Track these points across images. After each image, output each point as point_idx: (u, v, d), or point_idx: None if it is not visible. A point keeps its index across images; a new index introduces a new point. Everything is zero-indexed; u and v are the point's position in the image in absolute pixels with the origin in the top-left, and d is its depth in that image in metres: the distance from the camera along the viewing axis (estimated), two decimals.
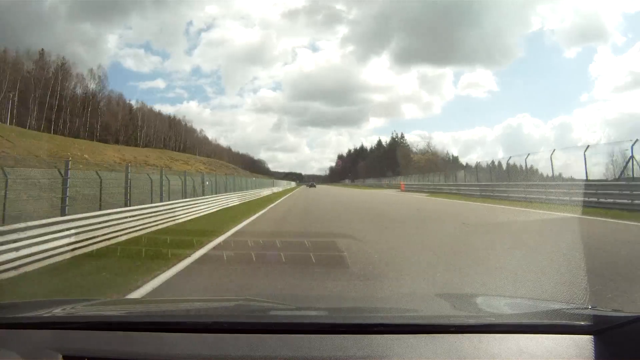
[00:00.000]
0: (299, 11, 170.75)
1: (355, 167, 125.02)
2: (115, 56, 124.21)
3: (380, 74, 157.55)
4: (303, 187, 79.48)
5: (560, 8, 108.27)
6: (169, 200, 12.50)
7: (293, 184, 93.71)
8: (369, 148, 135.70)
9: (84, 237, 6.69)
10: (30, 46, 66.83)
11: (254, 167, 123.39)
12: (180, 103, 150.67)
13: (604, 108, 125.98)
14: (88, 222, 6.99)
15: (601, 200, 13.15)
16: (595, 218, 10.60)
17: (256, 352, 1.12)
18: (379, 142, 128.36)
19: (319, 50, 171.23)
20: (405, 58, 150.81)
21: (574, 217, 10.83)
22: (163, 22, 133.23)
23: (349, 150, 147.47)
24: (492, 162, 26.45)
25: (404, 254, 6.25)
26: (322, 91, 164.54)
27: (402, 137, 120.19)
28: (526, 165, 20.70)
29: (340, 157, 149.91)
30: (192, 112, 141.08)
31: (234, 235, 9.06)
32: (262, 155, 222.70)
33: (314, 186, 75.71)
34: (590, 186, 14.11)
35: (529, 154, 20.33)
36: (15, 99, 55.25)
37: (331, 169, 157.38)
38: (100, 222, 7.36)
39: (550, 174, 18.15)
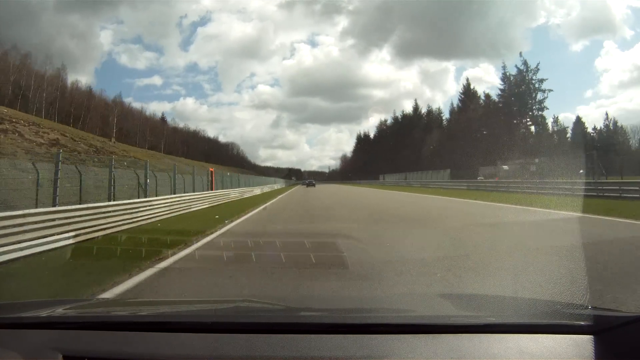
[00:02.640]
0: (296, 1, 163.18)
1: (398, 151, 71.55)
2: (110, 52, 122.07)
3: (381, 68, 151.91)
4: (298, 187, 59.06)
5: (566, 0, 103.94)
6: None
7: (275, 185, 56.48)
8: (413, 113, 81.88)
9: None
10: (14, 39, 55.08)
11: (223, 159, 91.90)
12: (177, 100, 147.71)
13: (608, 104, 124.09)
14: None
15: None
16: None
17: (256, 352, 1.12)
18: (467, 93, 67.54)
19: (318, 44, 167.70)
20: (407, 51, 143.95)
21: None
22: (156, 16, 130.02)
23: (382, 121, 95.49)
24: None
25: None
26: (321, 87, 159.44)
27: (538, 68, 57.20)
28: None
29: (360, 140, 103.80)
30: (189, 109, 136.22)
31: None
32: (261, 152, 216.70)
33: (313, 185, 59.52)
34: None
35: None
36: None
37: (344, 160, 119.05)
38: None
39: None
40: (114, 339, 1.25)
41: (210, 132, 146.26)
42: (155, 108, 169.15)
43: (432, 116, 79.97)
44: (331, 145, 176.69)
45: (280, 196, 28.15)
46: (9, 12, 74.84)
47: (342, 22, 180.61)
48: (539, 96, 57.29)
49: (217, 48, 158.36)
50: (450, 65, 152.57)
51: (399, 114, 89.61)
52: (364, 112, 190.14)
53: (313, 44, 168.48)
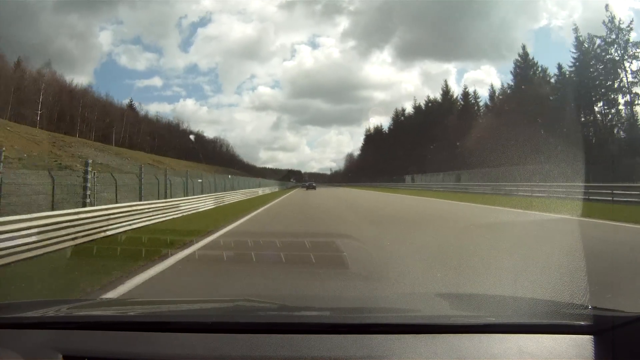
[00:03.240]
0: (297, 2, 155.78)
1: (426, 146, 52.65)
2: (110, 53, 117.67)
3: (382, 70, 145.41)
4: (296, 191, 48.99)
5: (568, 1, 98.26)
6: None
7: (260, 190, 37.80)
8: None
9: None
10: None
11: (209, 156, 78.44)
12: (177, 101, 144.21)
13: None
14: None
15: None
16: None
17: (256, 352, 1.13)
18: (526, 64, 44.40)
19: (319, 46, 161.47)
20: (408, 52, 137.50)
21: None
22: (156, 16, 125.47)
23: (399, 111, 74.59)
24: None
25: None
26: (322, 89, 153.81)
27: (631, 28, 33.97)
28: None
29: (370, 135, 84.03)
30: (188, 110, 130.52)
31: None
32: (261, 154, 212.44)
33: (313, 187, 54.20)
34: None
35: None
36: None
37: (349, 159, 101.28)
38: None
39: None
40: (114, 339, 1.26)
41: (211, 134, 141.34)
42: (155, 109, 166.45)
43: (469, 100, 58.83)
44: (332, 148, 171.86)
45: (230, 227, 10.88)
46: (7, 11, 68.39)
47: (343, 23, 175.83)
48: (634, 66, 35.86)
49: (217, 49, 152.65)
50: (451, 67, 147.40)
51: (421, 102, 69.16)
52: (364, 115, 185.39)
53: (314, 45, 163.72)
